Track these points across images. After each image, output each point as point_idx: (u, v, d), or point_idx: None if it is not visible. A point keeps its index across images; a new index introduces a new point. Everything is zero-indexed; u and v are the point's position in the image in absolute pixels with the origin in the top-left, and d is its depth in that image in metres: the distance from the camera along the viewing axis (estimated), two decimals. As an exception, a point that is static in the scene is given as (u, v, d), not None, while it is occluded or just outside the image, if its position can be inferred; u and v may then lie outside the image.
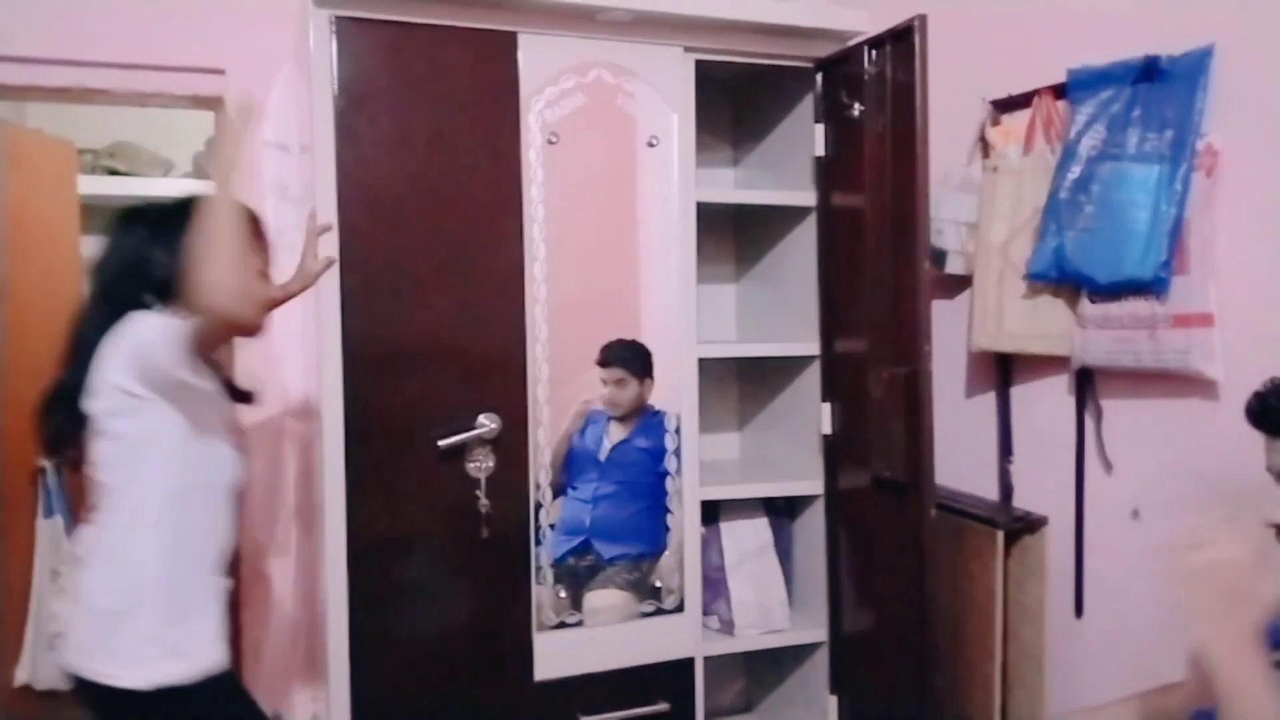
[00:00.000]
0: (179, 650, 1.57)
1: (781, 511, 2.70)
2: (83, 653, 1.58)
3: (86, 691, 1.58)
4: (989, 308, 2.23)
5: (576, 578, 2.34)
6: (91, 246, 3.27)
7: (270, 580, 2.54)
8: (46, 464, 2.76)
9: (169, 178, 3.68)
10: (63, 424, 1.63)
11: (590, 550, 2.38)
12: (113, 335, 1.57)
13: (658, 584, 2.39)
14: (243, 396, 1.81)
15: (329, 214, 2.05)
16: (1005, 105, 2.29)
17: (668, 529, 2.40)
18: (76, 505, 2.89)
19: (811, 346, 2.53)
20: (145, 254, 1.63)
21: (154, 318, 1.56)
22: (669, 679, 2.36)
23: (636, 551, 2.41)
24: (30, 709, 2.71)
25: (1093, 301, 2.02)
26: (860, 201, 2.30)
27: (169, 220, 1.63)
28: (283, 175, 2.53)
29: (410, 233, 2.12)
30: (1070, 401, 2.18)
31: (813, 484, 2.55)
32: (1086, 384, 2.13)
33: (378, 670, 2.10)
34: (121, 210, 1.74)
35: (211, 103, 2.49)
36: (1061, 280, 2.06)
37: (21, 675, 2.68)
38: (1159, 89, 1.92)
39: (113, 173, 3.54)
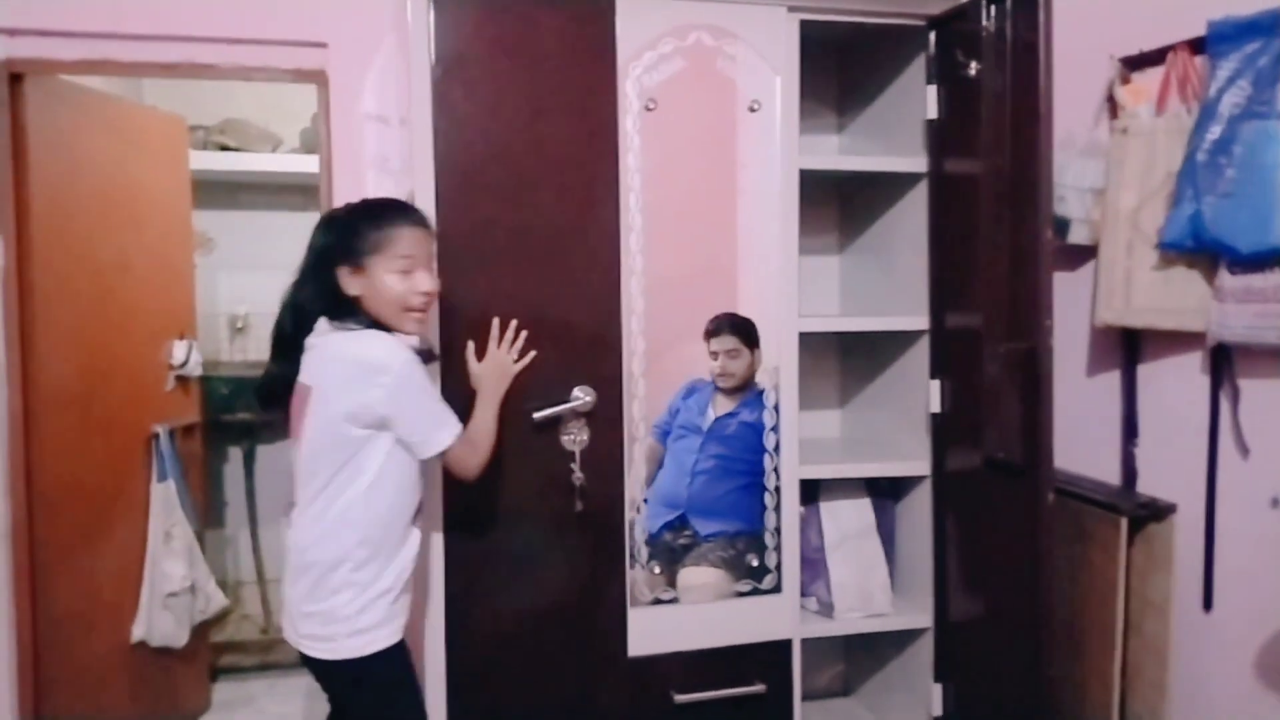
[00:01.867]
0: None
1: (885, 492, 2.60)
2: None
3: None
4: (1116, 280, 2.09)
5: (672, 554, 2.29)
6: (202, 221, 3.42)
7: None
8: (160, 429, 2.86)
9: (277, 153, 3.77)
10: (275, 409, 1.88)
11: (687, 525, 2.33)
12: (347, 359, 1.76)
13: (755, 563, 2.33)
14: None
15: (426, 185, 2.04)
16: (1135, 62, 2.13)
17: (766, 507, 2.33)
18: (188, 469, 3.00)
19: (920, 321, 2.42)
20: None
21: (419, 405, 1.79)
22: (765, 660, 2.30)
23: (734, 529, 2.35)
24: (146, 665, 2.83)
25: (1232, 273, 1.87)
26: (976, 167, 2.18)
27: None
28: (383, 148, 2.53)
29: (505, 203, 2.09)
30: (1204, 381, 2.03)
31: (919, 464, 2.45)
32: (1223, 362, 1.98)
33: (471, 641, 2.11)
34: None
35: (314, 76, 2.51)
36: (1198, 250, 1.91)
37: (138, 633, 2.79)
38: (1315, 39, 1.75)
39: (223, 148, 3.64)
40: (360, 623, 1.75)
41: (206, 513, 3.43)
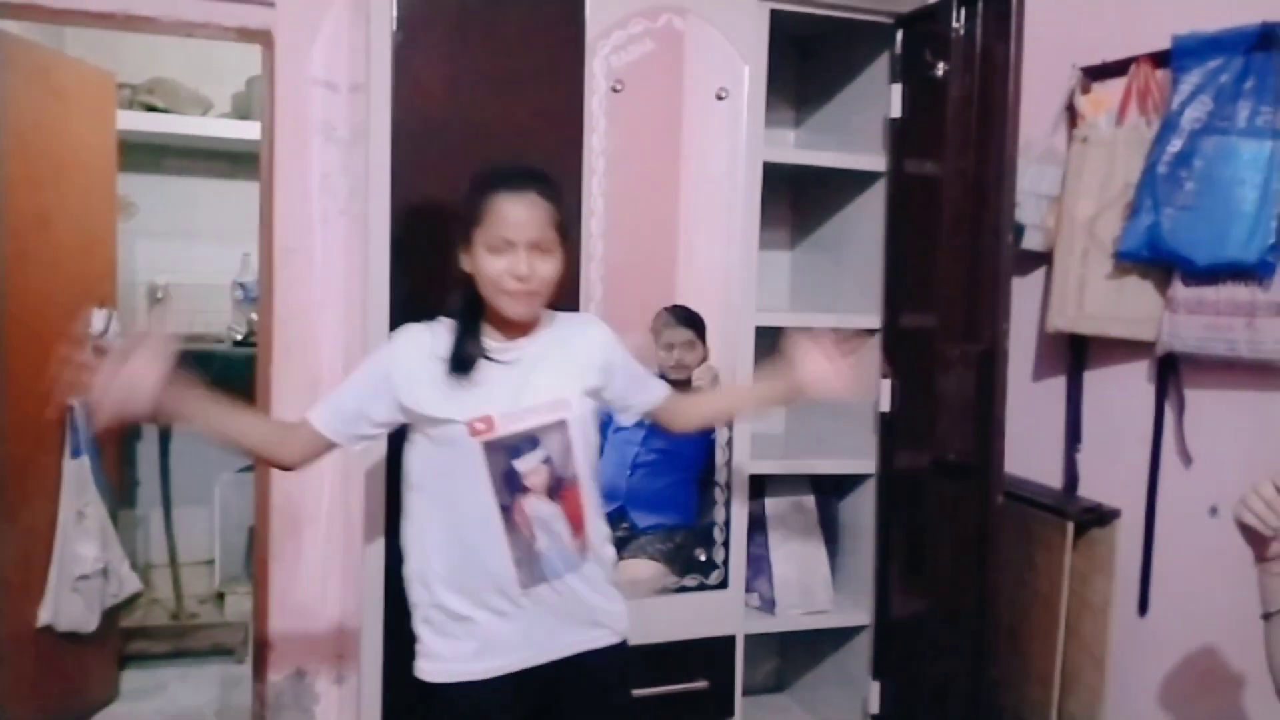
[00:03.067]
0: None
1: (828, 490, 2.60)
2: None
3: None
4: (1069, 287, 2.11)
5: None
6: (124, 184, 3.24)
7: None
8: (74, 402, 2.69)
9: (207, 116, 3.59)
10: None
11: (625, 518, 2.29)
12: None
13: (702, 557, 2.30)
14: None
15: (381, 155, 1.95)
16: (1097, 73, 2.16)
17: (713, 502, 2.31)
18: (103, 446, 2.83)
19: (872, 319, 2.42)
20: None
21: None
22: (708, 656, 2.28)
23: (673, 522, 2.32)
24: (51, 650, 2.67)
25: (1186, 284, 1.90)
26: (938, 168, 2.18)
27: None
28: (330, 115, 2.42)
29: (463, 179, 2.01)
30: (1149, 390, 2.07)
31: (864, 463, 2.45)
32: (1170, 372, 2.02)
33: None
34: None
35: (259, 36, 2.38)
36: (1154, 260, 1.95)
37: (44, 616, 2.62)
38: (1275, 59, 1.79)
39: (150, 109, 3.46)
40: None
41: (120, 492, 3.25)
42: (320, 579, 2.46)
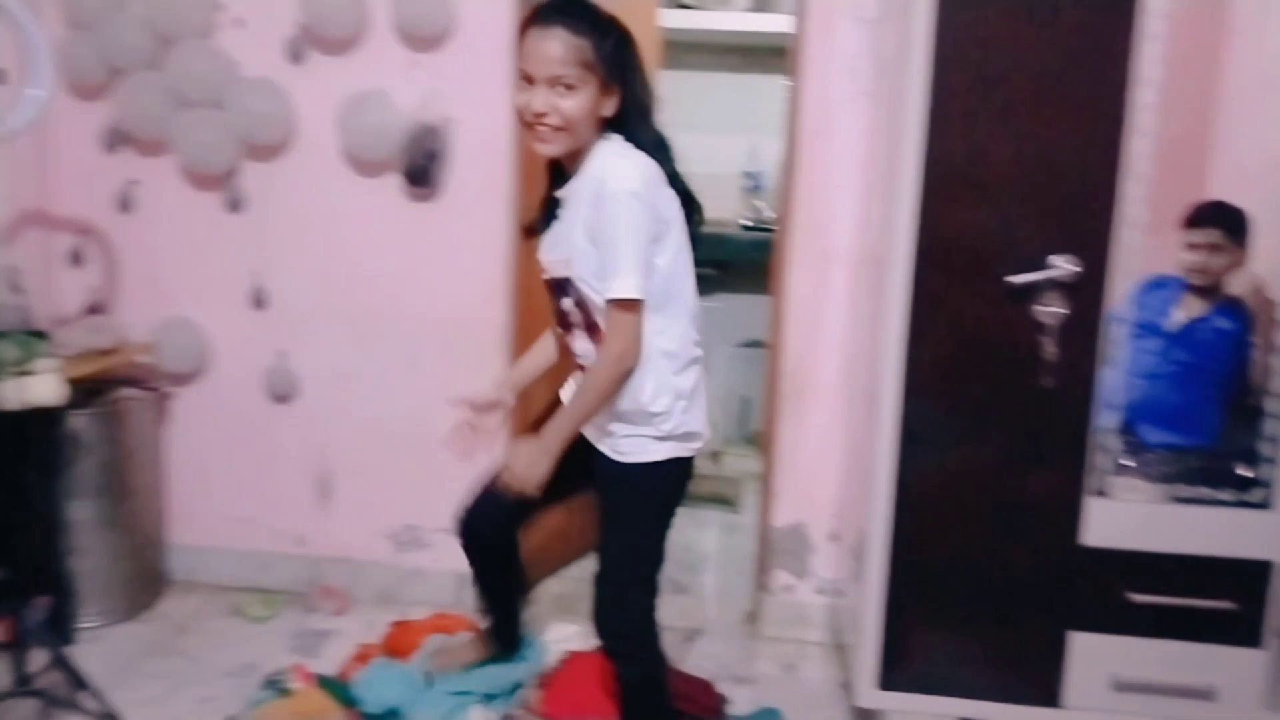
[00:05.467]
0: None
1: None
2: None
3: None
4: None
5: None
6: (667, 82, 3.58)
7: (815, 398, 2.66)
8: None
9: (730, 11, 3.83)
10: None
11: (1131, 432, 2.12)
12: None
13: (1241, 474, 2.07)
14: None
15: (921, 28, 1.95)
16: None
17: (1240, 424, 2.05)
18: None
19: None
20: None
21: None
22: (1237, 577, 2.08)
23: (1187, 443, 2.10)
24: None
25: None
26: None
27: None
28: (855, 49, 2.47)
29: (1011, 50, 1.94)
30: None
31: None
32: None
33: (916, 495, 2.11)
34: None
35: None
36: None
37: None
38: None
39: (681, 6, 3.76)
40: None
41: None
42: (822, 440, 2.64)
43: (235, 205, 2.69)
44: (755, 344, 4.12)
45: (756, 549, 2.78)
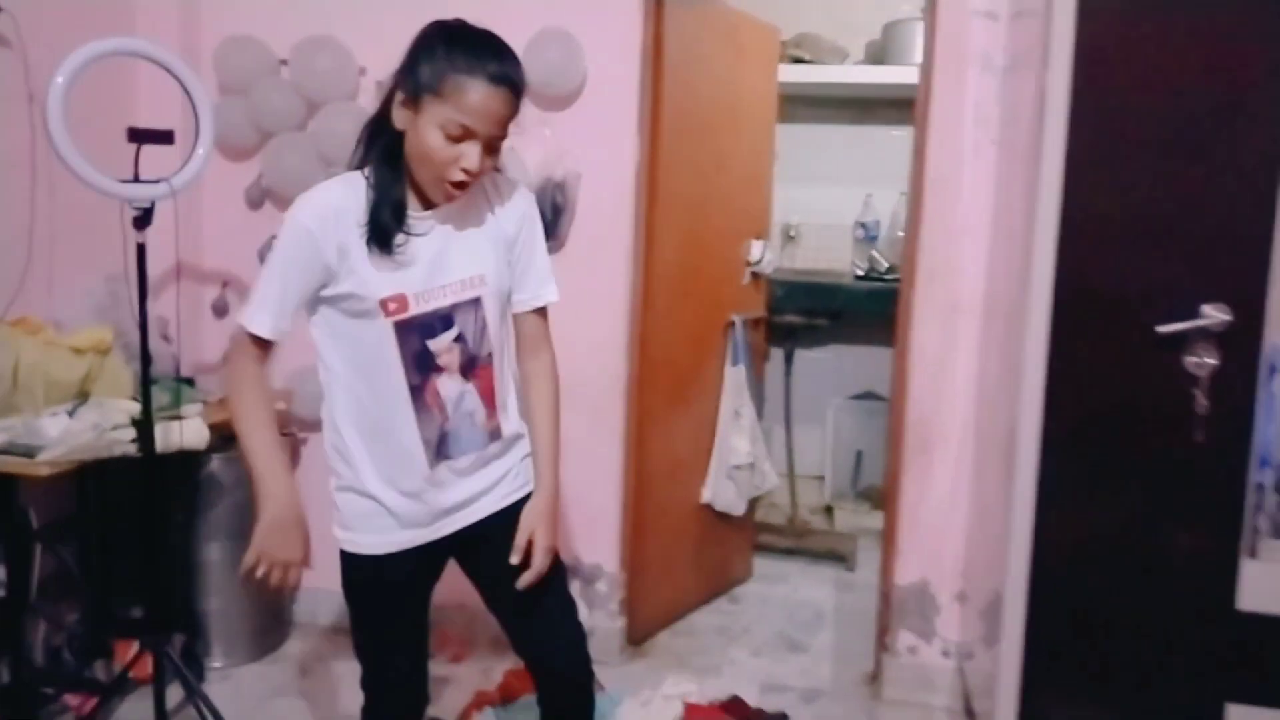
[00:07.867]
0: None
1: None
2: None
3: None
4: None
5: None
6: (784, 136, 3.61)
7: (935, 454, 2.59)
8: (736, 318, 3.12)
9: (844, 65, 3.85)
10: None
11: None
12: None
13: None
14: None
15: (1058, 83, 1.91)
16: None
17: None
18: (756, 357, 3.25)
19: None
20: None
21: None
22: None
23: None
24: (708, 526, 3.16)
25: None
26: None
27: None
28: (989, 44, 2.45)
29: (1158, 89, 1.89)
30: None
31: None
32: None
33: (1057, 547, 2.01)
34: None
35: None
36: None
37: (706, 495, 3.12)
38: None
39: (797, 60, 3.80)
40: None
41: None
42: (948, 496, 2.56)
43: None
44: (869, 396, 4.07)
45: (878, 608, 2.70)
